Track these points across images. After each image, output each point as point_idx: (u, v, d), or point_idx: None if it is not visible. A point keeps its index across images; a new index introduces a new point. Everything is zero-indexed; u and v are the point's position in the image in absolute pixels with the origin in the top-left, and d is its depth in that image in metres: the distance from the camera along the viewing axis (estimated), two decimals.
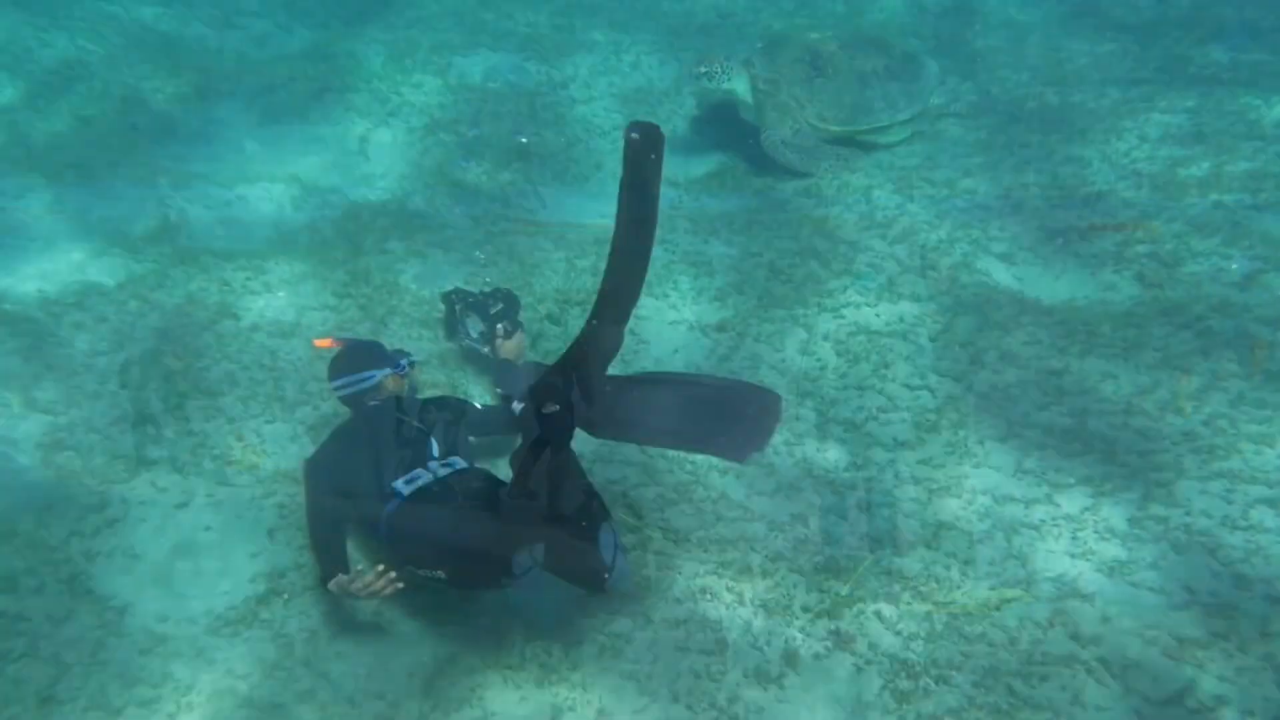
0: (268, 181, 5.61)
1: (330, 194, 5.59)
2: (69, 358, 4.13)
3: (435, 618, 3.36)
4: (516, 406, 2.62)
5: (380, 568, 3.03)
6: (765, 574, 3.53)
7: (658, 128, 2.15)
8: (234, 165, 5.80)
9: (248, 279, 4.71)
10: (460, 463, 3.41)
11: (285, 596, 3.33)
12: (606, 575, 2.93)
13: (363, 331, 4.40)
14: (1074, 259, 5.14)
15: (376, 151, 6.06)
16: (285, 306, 4.53)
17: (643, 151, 2.16)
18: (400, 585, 3.05)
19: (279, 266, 4.84)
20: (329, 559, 3.19)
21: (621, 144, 2.17)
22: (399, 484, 3.23)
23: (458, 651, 3.25)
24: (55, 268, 4.70)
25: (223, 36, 7.46)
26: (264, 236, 5.22)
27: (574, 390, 2.49)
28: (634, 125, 2.16)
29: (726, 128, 6.16)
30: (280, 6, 7.87)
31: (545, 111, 6.47)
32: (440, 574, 3.08)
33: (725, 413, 2.63)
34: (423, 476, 3.25)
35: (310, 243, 5.11)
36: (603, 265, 5.05)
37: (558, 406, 2.51)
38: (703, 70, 5.72)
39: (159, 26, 7.19)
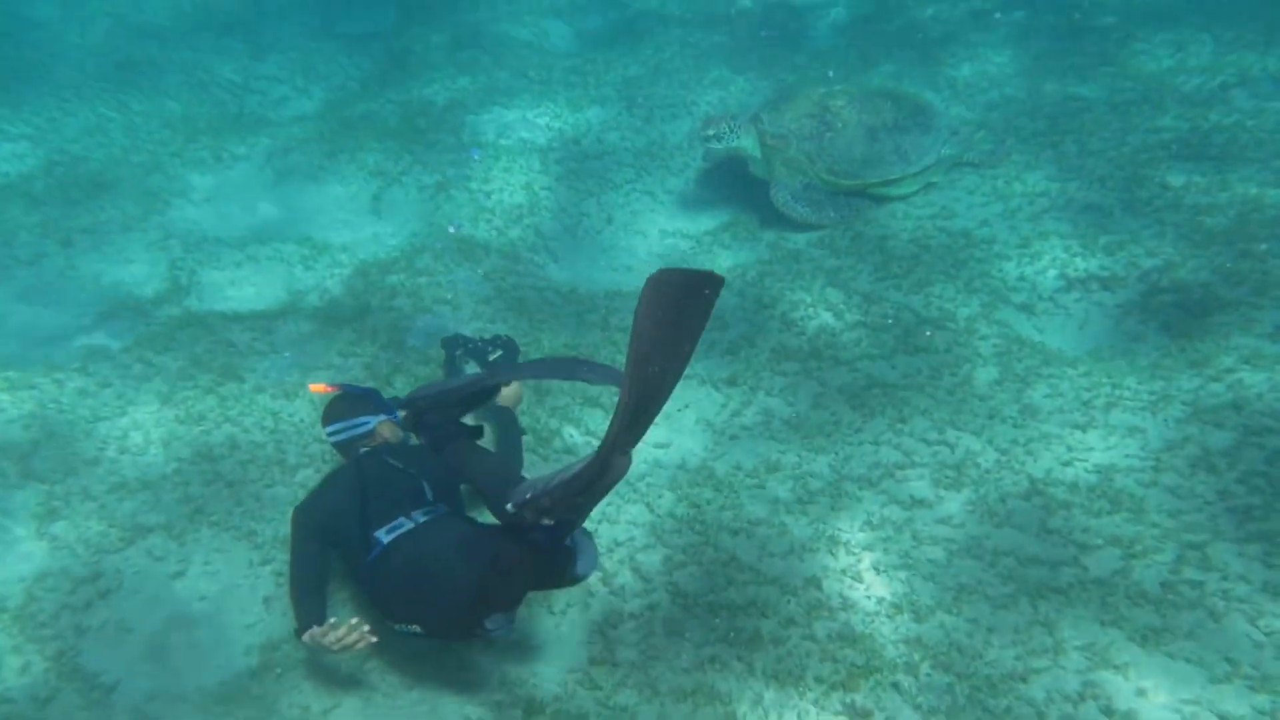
0: (279, 241, 5.64)
1: (340, 253, 5.60)
2: (70, 425, 4.10)
3: (433, 691, 3.23)
4: (510, 508, 2.66)
5: (354, 620, 3.00)
6: (777, 642, 3.36)
7: (715, 276, 2.04)
8: (246, 226, 5.85)
9: (254, 339, 4.69)
10: (442, 509, 3.31)
11: (278, 671, 3.22)
12: (576, 569, 2.94)
13: None
14: (1097, 308, 5.01)
15: (388, 210, 6.09)
16: (290, 366, 4.50)
17: (689, 300, 2.07)
18: (374, 639, 3.01)
19: (286, 326, 4.82)
20: (305, 610, 3.11)
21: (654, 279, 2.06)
22: (380, 533, 3.15)
23: None
24: (64, 333, 4.72)
25: (242, 101, 7.63)
26: (273, 296, 5.23)
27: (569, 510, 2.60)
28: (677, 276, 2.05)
29: (737, 180, 6.13)
30: (299, 70, 8.04)
31: (558, 165, 6.49)
32: (416, 628, 3.02)
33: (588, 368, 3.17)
34: (405, 525, 3.17)
35: (318, 302, 5.10)
36: (613, 320, 5.04)
37: (553, 522, 2.63)
38: (710, 133, 5.72)
39: (180, 94, 7.35)
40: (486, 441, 3.67)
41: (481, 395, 3.42)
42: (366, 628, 3.00)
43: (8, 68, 7.27)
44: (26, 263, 5.15)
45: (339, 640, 2.95)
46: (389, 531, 3.14)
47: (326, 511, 3.36)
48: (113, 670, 3.21)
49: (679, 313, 2.07)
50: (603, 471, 2.39)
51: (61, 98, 6.77)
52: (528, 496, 2.58)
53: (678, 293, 2.05)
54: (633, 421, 2.28)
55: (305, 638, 3.03)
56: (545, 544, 2.84)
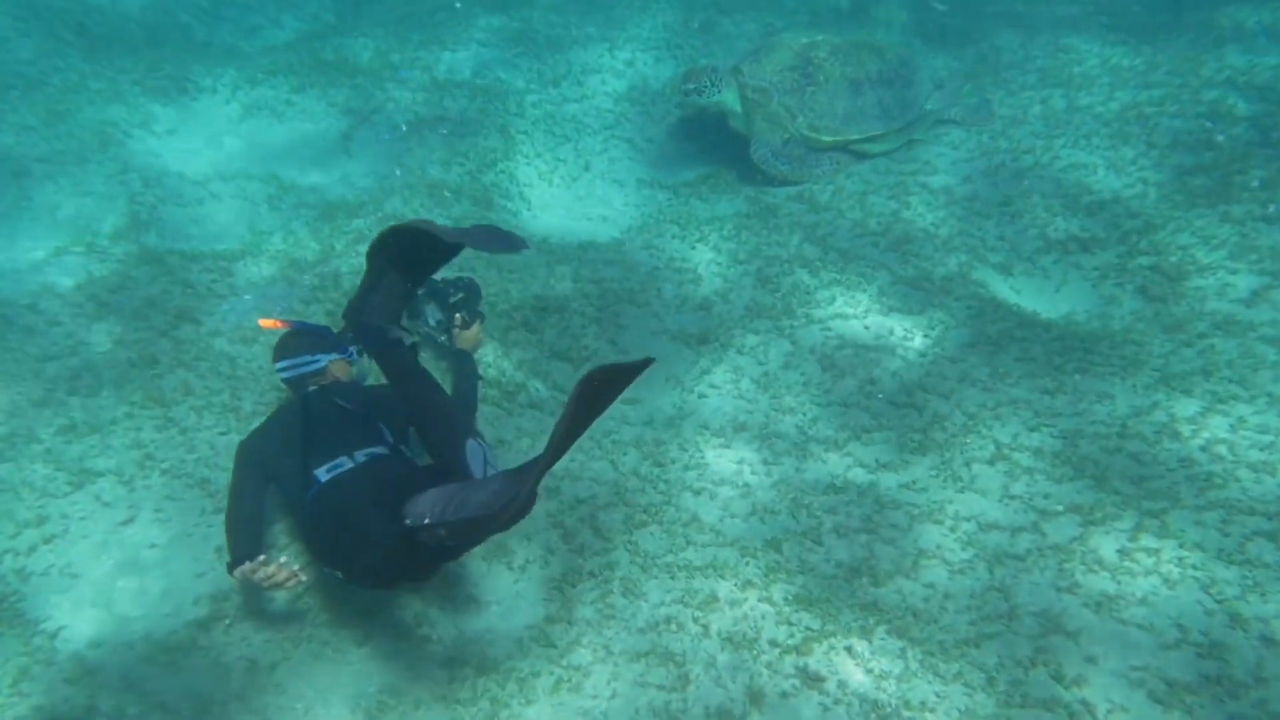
0: (244, 179, 5.47)
1: (308, 193, 5.44)
2: (16, 363, 3.98)
3: (384, 645, 3.21)
4: (407, 522, 2.75)
5: (283, 559, 2.99)
6: (733, 604, 3.35)
7: (646, 362, 2.13)
8: (211, 162, 5.65)
9: (213, 281, 4.56)
10: (381, 450, 3.25)
11: (227, 621, 3.18)
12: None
13: None
14: (1075, 270, 4.95)
15: (359, 149, 5.91)
16: (250, 310, 4.38)
17: (620, 381, 2.17)
18: (304, 579, 3.02)
19: (247, 269, 4.69)
20: (238, 545, 3.08)
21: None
22: (321, 471, 3.10)
23: (405, 684, 3.09)
24: (15, 267, 4.56)
25: (211, 29, 7.34)
26: (236, 236, 5.08)
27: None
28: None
29: (718, 130, 5.97)
30: None
31: (535, 109, 6.30)
32: (338, 573, 3.02)
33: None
34: (345, 464, 3.12)
35: (283, 244, 4.96)
36: (584, 272, 4.93)
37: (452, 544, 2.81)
38: (690, 87, 5.54)
39: (145, 18, 7.06)
40: (444, 386, 3.60)
41: (397, 275, 3.30)
42: (296, 567, 2.98)
43: None
44: None
45: (269, 578, 2.92)
46: (329, 470, 3.10)
47: (269, 446, 3.33)
48: (56, 617, 3.17)
49: (609, 392, 2.16)
50: (510, 520, 2.48)
51: (16, 16, 6.47)
52: (425, 521, 2.60)
53: (610, 382, 2.12)
54: (552, 465, 2.36)
55: (235, 573, 3.00)
56: (445, 554, 2.92)
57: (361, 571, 2.97)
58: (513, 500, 2.39)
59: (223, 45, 7.19)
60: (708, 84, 5.52)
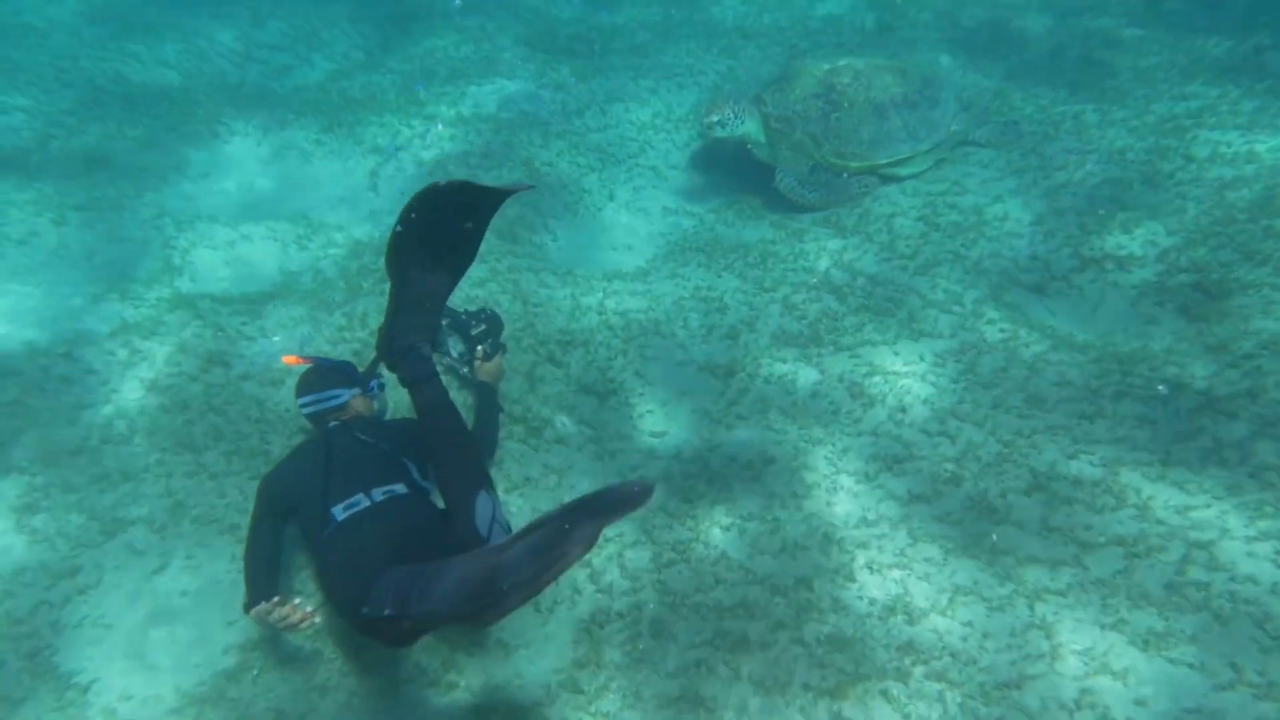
0: (273, 220, 5.54)
1: (335, 232, 5.50)
2: (53, 412, 4.05)
3: (412, 693, 3.18)
4: (365, 612, 2.74)
5: (297, 600, 2.97)
6: (764, 646, 3.28)
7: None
8: (242, 204, 5.75)
9: (243, 324, 4.61)
10: (400, 489, 3.22)
11: (255, 672, 3.18)
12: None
13: None
14: (1112, 289, 4.81)
15: (385, 186, 5.97)
16: (279, 352, 4.42)
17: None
18: (317, 620, 2.98)
19: (277, 310, 4.74)
20: (255, 585, 3.07)
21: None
22: (338, 509, 3.10)
23: None
24: (54, 314, 4.65)
25: (243, 71, 7.49)
26: (266, 278, 5.14)
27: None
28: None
29: (743, 157, 5.94)
30: (301, 39, 7.89)
31: (559, 140, 6.32)
32: (345, 619, 3.00)
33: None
34: (362, 503, 3.11)
35: (311, 285, 5.01)
36: (609, 304, 4.91)
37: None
38: (714, 120, 5.51)
39: (180, 63, 7.22)
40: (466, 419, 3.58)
41: (421, 275, 3.05)
42: (310, 608, 2.96)
43: (2, 35, 7.17)
44: (18, 241, 5.08)
45: (283, 619, 2.91)
46: (346, 509, 3.09)
47: (288, 483, 3.33)
48: (89, 669, 3.19)
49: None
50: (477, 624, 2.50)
51: (59, 68, 6.66)
52: (386, 613, 2.55)
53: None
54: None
55: (252, 614, 3.00)
56: (416, 634, 2.90)
57: (351, 621, 2.95)
58: (483, 608, 2.37)
59: (255, 87, 7.33)
60: (730, 116, 5.49)
